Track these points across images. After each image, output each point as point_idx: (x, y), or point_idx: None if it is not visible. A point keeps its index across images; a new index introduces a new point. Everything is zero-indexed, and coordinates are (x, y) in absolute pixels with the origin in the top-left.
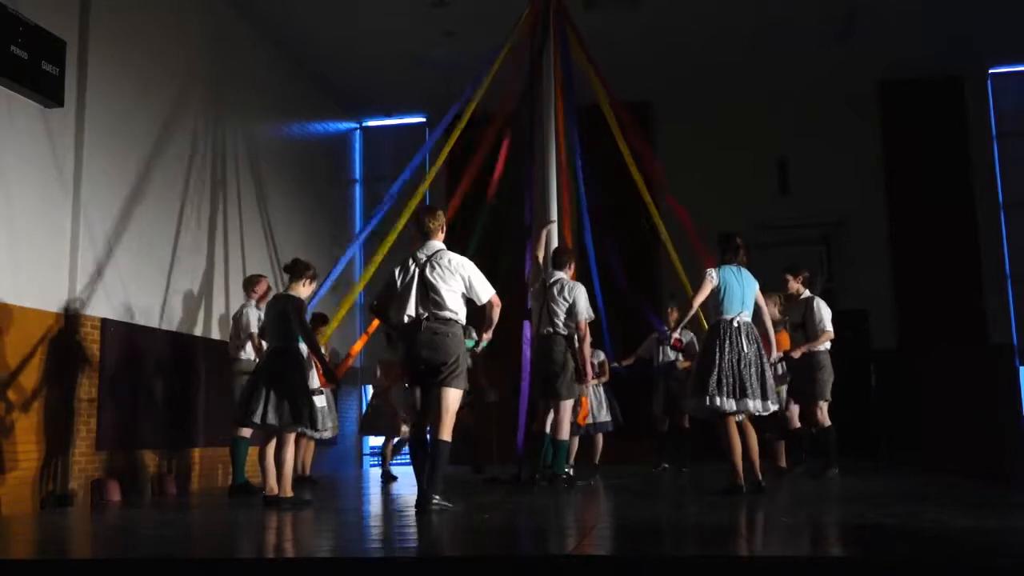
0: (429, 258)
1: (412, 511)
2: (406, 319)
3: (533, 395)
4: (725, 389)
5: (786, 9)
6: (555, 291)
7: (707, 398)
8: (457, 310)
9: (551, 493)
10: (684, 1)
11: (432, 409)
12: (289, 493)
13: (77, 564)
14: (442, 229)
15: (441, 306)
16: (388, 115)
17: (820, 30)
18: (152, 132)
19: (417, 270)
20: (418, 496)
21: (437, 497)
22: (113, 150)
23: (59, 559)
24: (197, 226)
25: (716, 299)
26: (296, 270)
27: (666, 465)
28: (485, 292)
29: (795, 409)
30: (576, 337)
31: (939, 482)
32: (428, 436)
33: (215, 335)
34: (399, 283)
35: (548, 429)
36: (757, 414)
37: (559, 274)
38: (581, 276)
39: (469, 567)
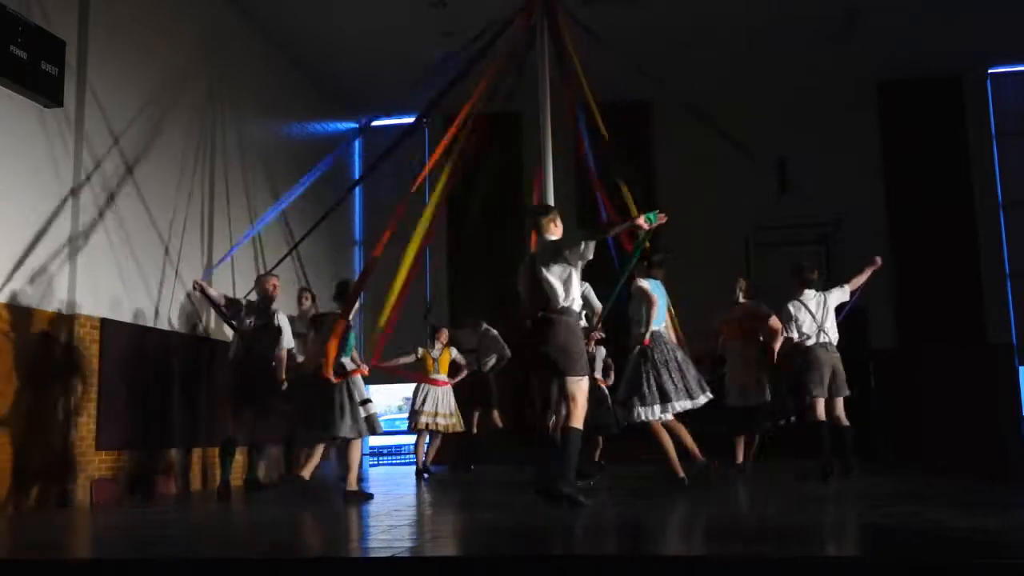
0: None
1: (411, 511)
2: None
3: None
4: (648, 399)
5: (786, 9)
6: None
7: (633, 412)
8: (575, 305)
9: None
10: (683, 1)
11: (560, 402)
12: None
13: (77, 564)
14: (557, 227)
15: (559, 301)
16: (388, 115)
17: (820, 30)
18: (151, 132)
19: (539, 267)
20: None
21: (568, 488)
22: (112, 150)
23: (59, 559)
24: (196, 226)
25: (647, 312)
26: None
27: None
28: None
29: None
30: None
31: (939, 482)
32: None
33: (215, 335)
34: (521, 280)
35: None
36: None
37: None
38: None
39: (469, 567)
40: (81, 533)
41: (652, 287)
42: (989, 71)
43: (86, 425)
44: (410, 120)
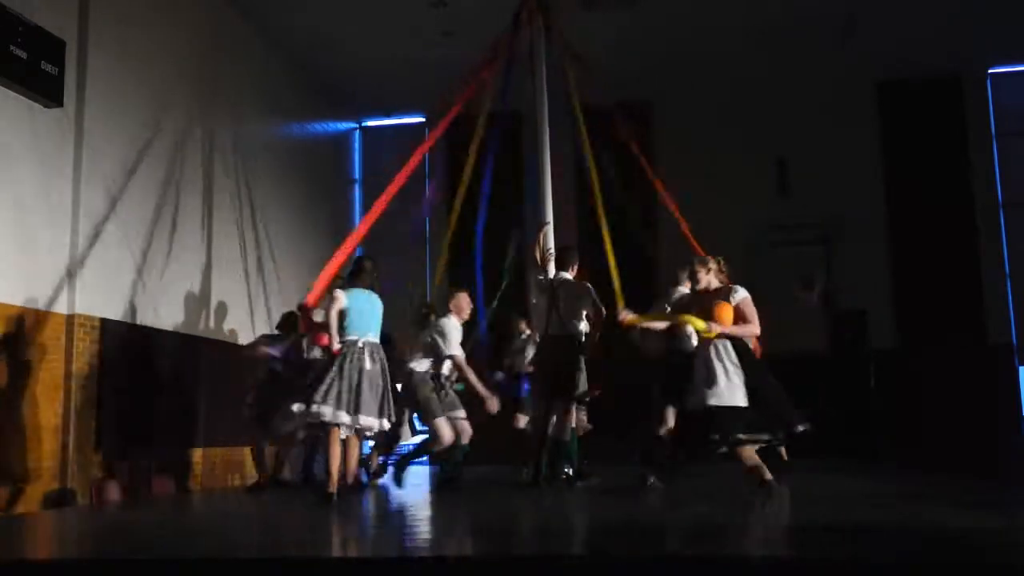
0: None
1: (408, 511)
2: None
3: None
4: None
5: (786, 9)
6: (562, 292)
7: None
8: None
9: (552, 493)
10: (683, 1)
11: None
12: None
13: (77, 564)
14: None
15: None
16: (388, 115)
17: (820, 31)
18: (151, 132)
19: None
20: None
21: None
22: (112, 150)
23: (59, 559)
24: (196, 226)
25: (342, 321)
26: None
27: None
28: None
29: None
30: (586, 333)
31: (939, 482)
32: None
33: (215, 335)
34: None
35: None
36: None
37: (564, 275)
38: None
39: (469, 567)
40: (81, 533)
41: (351, 298)
42: (989, 71)
43: (86, 425)
44: (410, 120)
